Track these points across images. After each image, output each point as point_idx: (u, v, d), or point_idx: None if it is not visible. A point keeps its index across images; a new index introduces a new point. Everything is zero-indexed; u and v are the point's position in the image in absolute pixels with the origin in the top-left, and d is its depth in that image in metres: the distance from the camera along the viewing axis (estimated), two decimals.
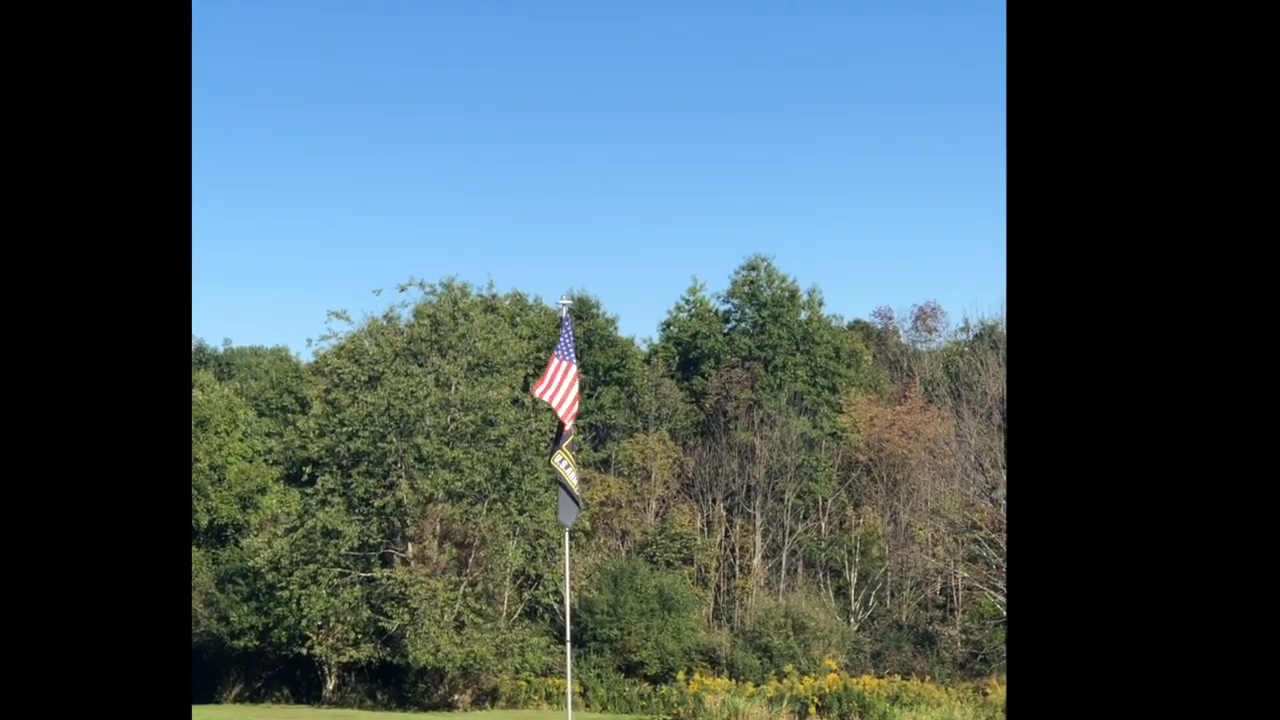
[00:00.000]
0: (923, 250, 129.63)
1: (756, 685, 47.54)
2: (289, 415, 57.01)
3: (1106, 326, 10.18)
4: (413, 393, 46.47)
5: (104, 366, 10.10)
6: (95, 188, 10.26)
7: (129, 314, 10.19)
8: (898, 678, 48.51)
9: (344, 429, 47.03)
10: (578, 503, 28.89)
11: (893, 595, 57.69)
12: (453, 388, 47.70)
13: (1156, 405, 10.01)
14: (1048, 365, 10.23)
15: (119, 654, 9.96)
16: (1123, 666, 9.88)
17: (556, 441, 28.26)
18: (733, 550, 59.55)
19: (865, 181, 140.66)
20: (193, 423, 56.20)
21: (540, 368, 45.66)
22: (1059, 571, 10.06)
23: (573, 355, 27.64)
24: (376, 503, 46.51)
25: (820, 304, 66.69)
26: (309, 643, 47.22)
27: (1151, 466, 9.97)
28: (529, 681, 48.26)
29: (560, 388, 27.07)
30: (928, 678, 49.24)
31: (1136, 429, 10.03)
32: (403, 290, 50.58)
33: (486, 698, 47.80)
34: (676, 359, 66.08)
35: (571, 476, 28.09)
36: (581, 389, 27.78)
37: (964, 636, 53.07)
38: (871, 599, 57.23)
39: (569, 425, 27.81)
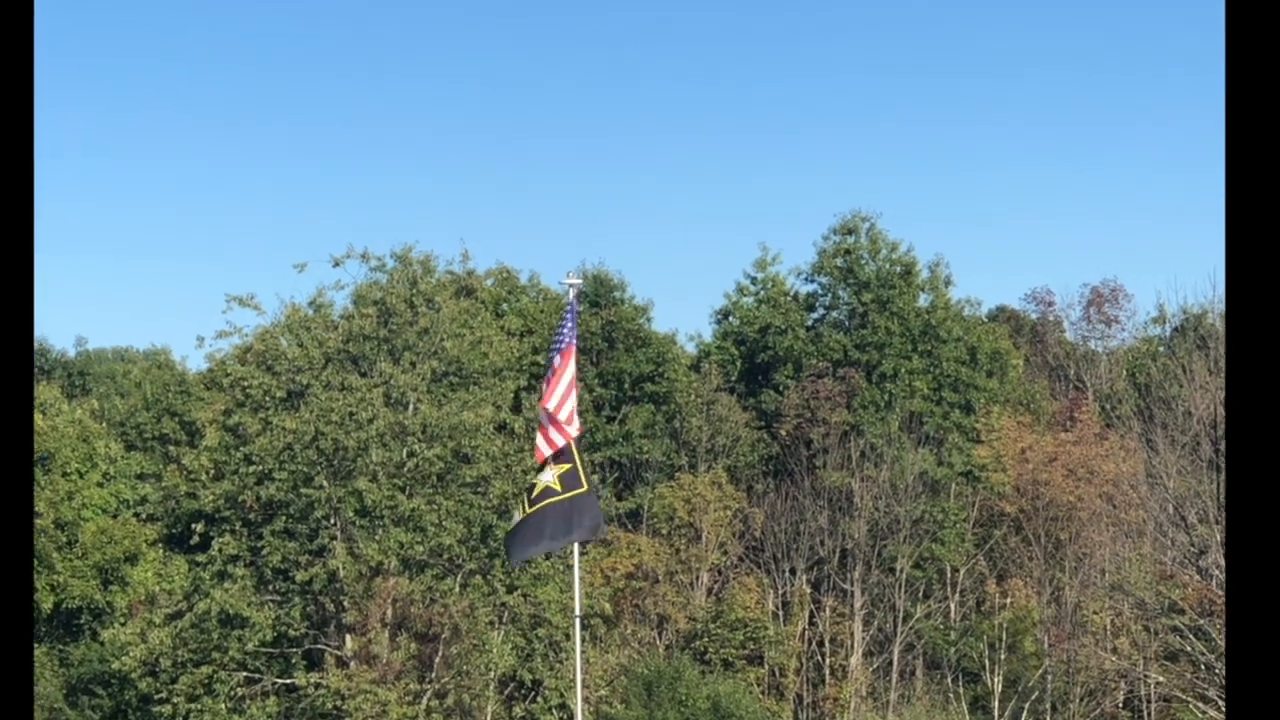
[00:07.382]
0: (1097, 211, 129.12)
1: None
2: (171, 449, 56.98)
3: None
4: (352, 414, 46.42)
5: None
6: None
7: None
8: None
9: (252, 468, 47.02)
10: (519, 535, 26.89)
11: (1055, 709, 57.69)
12: (410, 407, 47.67)
13: None
14: None
15: None
16: None
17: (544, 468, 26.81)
18: (821, 644, 59.63)
19: (1009, 115, 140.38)
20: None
21: (537, 377, 45.31)
22: None
23: (573, 338, 26.49)
24: (300, 576, 46.51)
25: (948, 284, 66.78)
26: None
27: None
28: None
29: (566, 398, 26.01)
30: None
31: None
32: (338, 265, 50.39)
33: None
34: (738, 365, 66.01)
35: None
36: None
37: None
38: (1024, 714, 57.36)
39: (574, 434, 26.53)
